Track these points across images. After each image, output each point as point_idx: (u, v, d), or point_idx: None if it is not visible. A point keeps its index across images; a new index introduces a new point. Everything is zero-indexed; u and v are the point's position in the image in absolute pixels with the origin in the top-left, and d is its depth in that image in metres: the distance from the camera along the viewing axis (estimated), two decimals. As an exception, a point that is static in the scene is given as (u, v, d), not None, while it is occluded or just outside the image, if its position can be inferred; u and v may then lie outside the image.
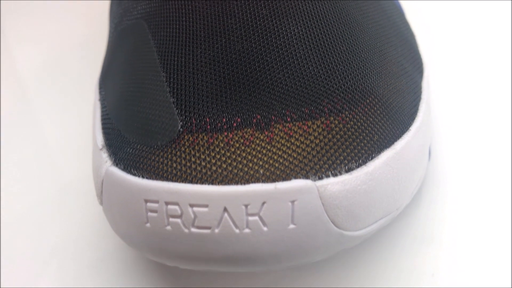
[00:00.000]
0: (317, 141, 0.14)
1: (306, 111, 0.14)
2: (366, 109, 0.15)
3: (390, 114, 0.15)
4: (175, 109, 0.15)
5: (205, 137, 0.14)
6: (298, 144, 0.14)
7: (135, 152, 0.15)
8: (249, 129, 0.14)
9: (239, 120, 0.14)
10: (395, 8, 0.21)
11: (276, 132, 0.14)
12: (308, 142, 0.14)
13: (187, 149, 0.14)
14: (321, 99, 0.14)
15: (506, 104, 0.22)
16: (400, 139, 0.15)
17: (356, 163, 0.14)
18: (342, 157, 0.14)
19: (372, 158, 0.14)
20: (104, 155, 0.16)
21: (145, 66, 0.17)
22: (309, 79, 0.15)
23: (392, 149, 0.15)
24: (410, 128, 0.16)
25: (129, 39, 0.18)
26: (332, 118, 0.14)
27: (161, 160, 0.14)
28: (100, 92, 0.19)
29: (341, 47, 0.16)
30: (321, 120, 0.14)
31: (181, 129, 0.14)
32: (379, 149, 0.15)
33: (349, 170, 0.14)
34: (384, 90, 0.16)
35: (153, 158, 0.14)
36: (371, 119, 0.15)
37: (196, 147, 0.14)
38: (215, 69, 0.15)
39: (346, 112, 0.14)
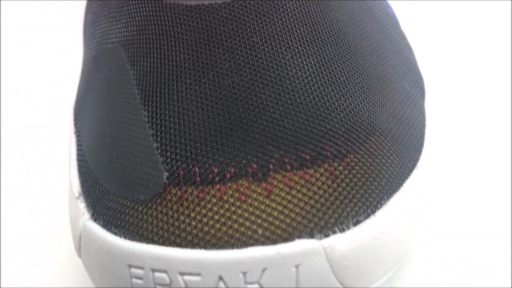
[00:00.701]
0: (321, 192, 0.12)
1: (307, 157, 0.13)
2: (372, 149, 0.13)
3: (398, 151, 0.14)
4: (159, 156, 0.13)
5: (194, 191, 0.12)
6: (300, 197, 0.12)
7: (115, 206, 0.13)
8: (244, 181, 0.12)
9: (232, 170, 0.12)
10: (391, 20, 0.20)
11: (275, 183, 0.12)
12: (311, 194, 0.12)
13: (174, 205, 0.12)
14: (323, 142, 0.13)
15: (501, 107, 0.21)
16: (408, 179, 0.14)
17: (365, 214, 0.12)
18: (349, 209, 0.12)
19: (381, 206, 0.13)
20: (81, 206, 0.14)
21: (124, 101, 0.15)
22: (308, 119, 0.13)
23: (401, 192, 0.13)
24: (418, 163, 0.15)
25: (105, 67, 0.17)
26: (336, 164, 0.13)
27: (145, 218, 0.12)
28: (76, 124, 0.17)
29: (341, 78, 0.14)
30: (324, 167, 0.13)
31: (167, 181, 0.13)
32: (388, 194, 0.13)
33: (357, 223, 0.12)
34: (390, 124, 0.14)
35: (135, 215, 0.12)
36: (378, 160, 0.13)
37: (185, 203, 0.12)
38: (203, 108, 0.13)
39: (351, 156, 0.13)
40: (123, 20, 0.17)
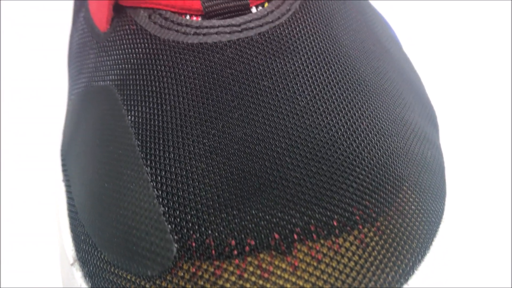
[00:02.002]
0: (352, 264, 0.11)
1: (335, 223, 0.11)
2: (401, 207, 0.12)
3: (425, 207, 0.13)
4: (166, 223, 0.11)
5: (209, 267, 0.11)
6: (330, 272, 0.11)
7: (118, 281, 0.11)
8: (266, 255, 0.11)
9: (252, 242, 0.11)
10: (397, 46, 0.18)
11: (301, 257, 0.11)
12: (341, 267, 0.11)
13: (187, 284, 0.11)
14: (351, 204, 0.12)
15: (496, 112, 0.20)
16: (436, 235, 0.13)
17: (398, 284, 0.11)
18: (382, 280, 0.11)
19: (413, 272, 0.12)
20: (77, 275, 0.12)
21: (122, 153, 0.13)
22: (332, 176, 0.12)
23: (431, 253, 0.12)
24: (444, 216, 0.13)
25: (96, 109, 0.15)
26: (366, 230, 0.11)
27: None
28: (64, 170, 0.16)
29: (362, 125, 0.13)
30: (354, 234, 0.11)
31: (177, 255, 0.11)
32: (420, 257, 0.12)
33: None
34: (415, 174, 0.13)
35: None
36: (407, 220, 0.12)
37: (200, 282, 0.11)
38: (213, 166, 0.12)
39: (381, 218, 0.12)
40: (116, 56, 0.15)
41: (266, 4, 0.15)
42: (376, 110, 0.14)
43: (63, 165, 0.16)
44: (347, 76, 0.14)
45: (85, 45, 0.17)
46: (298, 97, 0.13)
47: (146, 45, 0.14)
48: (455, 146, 0.20)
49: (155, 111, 0.13)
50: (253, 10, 0.15)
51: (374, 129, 0.13)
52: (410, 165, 0.13)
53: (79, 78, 0.17)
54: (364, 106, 0.13)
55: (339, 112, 0.13)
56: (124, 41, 0.15)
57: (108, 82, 0.15)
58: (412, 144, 0.14)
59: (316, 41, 0.14)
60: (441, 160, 0.15)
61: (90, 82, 0.16)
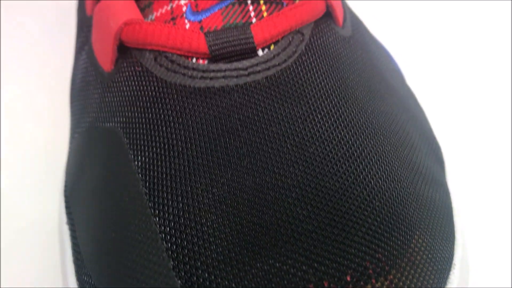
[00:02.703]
0: None
1: (348, 278, 0.11)
2: (413, 257, 0.12)
3: (436, 256, 0.13)
4: (177, 279, 0.11)
5: None
6: None
7: None
8: None
9: None
10: (400, 79, 0.18)
11: None
12: None
13: None
14: (363, 258, 0.11)
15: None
16: (447, 283, 0.13)
17: None
18: None
19: None
20: None
21: (129, 201, 0.13)
22: (344, 228, 0.12)
23: None
24: (454, 261, 0.13)
25: (102, 151, 0.15)
26: (379, 284, 0.11)
27: None
28: (68, 213, 0.15)
29: (373, 171, 0.13)
30: None
31: None
32: None
33: None
34: (425, 219, 0.13)
35: None
36: (419, 270, 0.12)
37: None
38: (223, 217, 0.12)
39: (394, 271, 0.12)
40: (121, 98, 0.15)
41: (272, 46, 0.15)
42: (385, 154, 0.14)
43: (67, 207, 0.15)
44: (355, 120, 0.14)
45: (89, 83, 0.17)
46: (307, 143, 0.13)
47: (153, 88, 0.14)
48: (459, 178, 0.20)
49: (163, 157, 0.13)
50: (260, 52, 0.14)
51: (384, 175, 0.13)
52: (420, 211, 0.13)
53: (82, 117, 0.17)
54: (373, 151, 0.13)
55: (349, 158, 0.13)
56: (130, 83, 0.15)
57: (114, 124, 0.15)
58: (421, 188, 0.14)
59: (322, 83, 0.14)
60: (449, 201, 0.15)
61: (94, 123, 0.16)
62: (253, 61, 0.14)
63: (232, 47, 0.14)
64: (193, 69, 0.14)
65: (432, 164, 0.16)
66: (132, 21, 0.15)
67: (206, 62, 0.14)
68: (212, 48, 0.14)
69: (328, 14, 0.16)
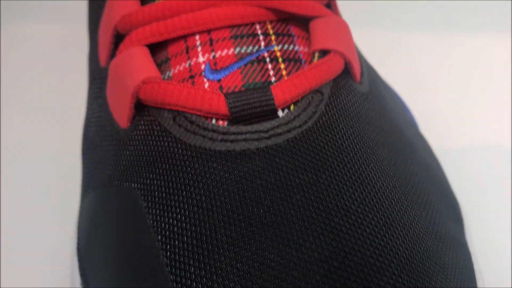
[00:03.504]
0: None
1: None
2: None
3: None
4: None
5: None
6: None
7: None
8: None
9: None
10: (416, 132, 0.18)
11: None
12: None
13: None
14: None
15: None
16: None
17: None
18: None
19: None
20: None
21: (148, 273, 0.13)
22: None
23: None
24: None
25: (118, 213, 0.15)
26: None
27: None
28: (82, 275, 0.15)
29: (399, 242, 0.13)
30: None
31: None
32: None
33: None
34: None
35: None
36: None
37: None
38: None
39: None
40: (139, 158, 0.15)
41: (292, 107, 0.14)
42: (410, 221, 0.13)
43: (81, 268, 0.15)
44: (378, 185, 0.14)
45: (103, 138, 0.16)
46: (331, 212, 0.13)
47: (171, 149, 0.14)
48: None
49: (183, 225, 0.13)
50: (280, 113, 0.14)
51: (410, 244, 0.13)
52: (446, 281, 0.13)
53: (96, 172, 0.16)
54: (398, 218, 0.13)
55: (375, 228, 0.13)
56: (147, 142, 0.15)
57: (130, 184, 0.15)
58: (446, 255, 0.14)
59: (344, 145, 0.14)
60: (471, 265, 0.15)
61: (110, 180, 0.15)
62: (273, 123, 0.14)
63: (253, 109, 0.14)
64: (213, 131, 0.14)
65: (453, 225, 0.15)
66: (150, 80, 0.15)
67: (226, 123, 0.14)
68: (233, 110, 0.14)
69: (346, 70, 0.16)
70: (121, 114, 0.15)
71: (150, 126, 0.15)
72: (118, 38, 0.17)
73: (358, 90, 0.16)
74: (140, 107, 0.15)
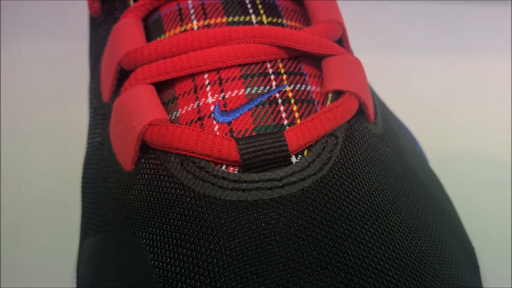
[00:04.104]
0: None
1: None
2: None
3: None
4: None
5: None
6: None
7: None
8: None
9: None
10: (428, 171, 0.18)
11: None
12: None
13: None
14: None
15: None
16: None
17: None
18: None
19: None
20: None
21: None
22: None
23: None
24: None
25: (122, 262, 0.14)
26: None
27: None
28: None
29: None
30: None
31: None
32: None
33: None
34: None
35: None
36: None
37: None
38: None
39: None
40: (143, 204, 0.14)
41: (305, 152, 0.14)
42: (430, 278, 0.13)
43: None
44: (397, 236, 0.13)
45: (105, 179, 0.16)
46: (351, 271, 0.12)
47: (179, 197, 0.13)
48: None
49: (192, 281, 0.12)
50: (293, 159, 0.14)
51: None
52: None
53: (96, 214, 0.16)
54: (418, 276, 0.13)
55: (392, 282, 0.12)
56: (153, 188, 0.14)
57: (134, 231, 0.14)
58: None
59: (360, 194, 0.13)
60: None
61: (112, 225, 0.15)
62: (287, 170, 0.13)
63: (265, 156, 0.13)
64: (224, 178, 0.13)
65: (471, 275, 0.15)
66: (157, 122, 0.14)
67: (236, 170, 0.13)
68: (245, 156, 0.13)
69: (360, 111, 0.15)
70: (125, 156, 0.15)
71: (156, 171, 0.14)
72: (122, 73, 0.16)
73: (372, 132, 0.15)
74: (145, 148, 0.14)
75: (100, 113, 0.17)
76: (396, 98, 0.24)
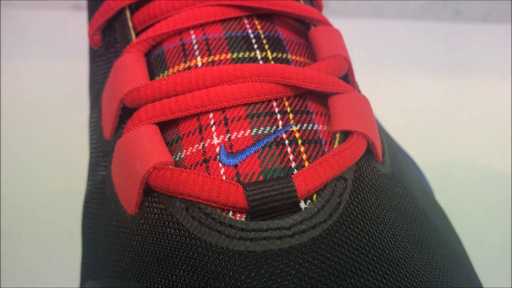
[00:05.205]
0: None
1: None
2: None
3: None
4: None
5: None
6: None
7: None
8: None
9: None
10: (436, 209, 0.17)
11: None
12: None
13: None
14: None
15: None
16: None
17: None
18: None
19: None
20: None
21: None
22: None
23: None
24: None
25: None
26: None
27: None
28: None
29: None
30: None
31: None
32: None
33: None
34: None
35: None
36: None
37: None
38: None
39: None
40: (147, 251, 0.14)
41: (314, 196, 0.13)
42: None
43: None
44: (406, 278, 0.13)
45: (107, 221, 0.15)
46: None
47: (184, 245, 0.13)
48: None
49: None
50: (302, 204, 0.13)
51: None
52: None
53: (98, 257, 0.15)
54: None
55: None
56: (157, 235, 0.13)
57: (139, 283, 0.13)
58: None
59: (372, 240, 0.13)
60: None
61: (115, 272, 0.14)
62: (296, 217, 0.13)
63: (273, 202, 0.13)
64: (230, 226, 0.13)
65: None
66: (161, 166, 0.13)
67: (243, 216, 0.13)
68: (252, 203, 0.13)
69: (368, 151, 0.15)
70: (128, 199, 0.14)
71: (161, 216, 0.14)
72: (124, 110, 0.16)
73: (381, 172, 0.15)
74: (148, 190, 0.14)
75: (101, 150, 0.17)
76: (393, 116, 0.24)
